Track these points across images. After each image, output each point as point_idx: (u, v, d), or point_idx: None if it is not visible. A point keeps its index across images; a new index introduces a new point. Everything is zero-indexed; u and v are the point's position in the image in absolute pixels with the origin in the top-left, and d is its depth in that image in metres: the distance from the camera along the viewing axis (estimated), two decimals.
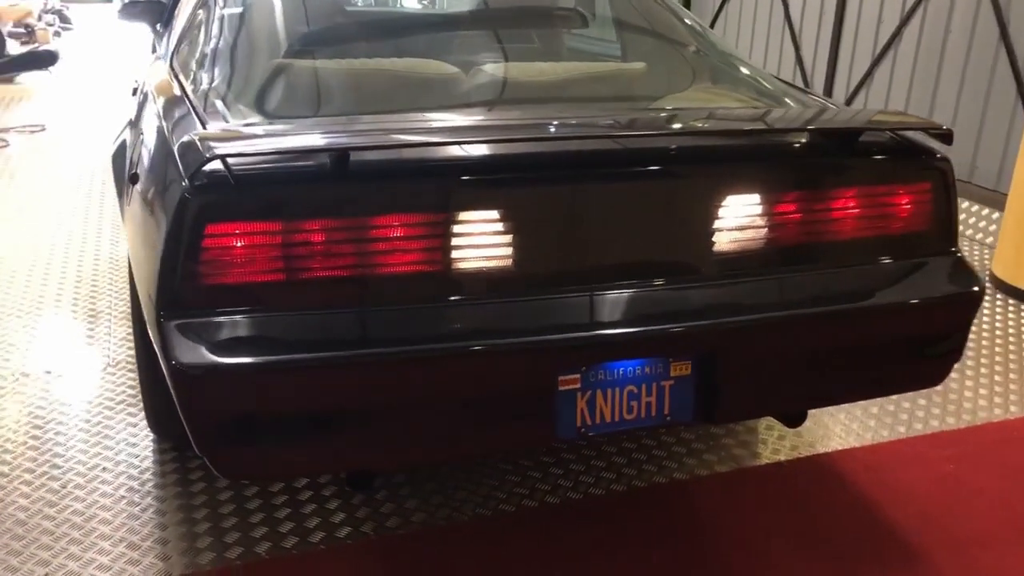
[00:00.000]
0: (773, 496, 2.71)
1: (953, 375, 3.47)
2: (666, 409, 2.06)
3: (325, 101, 2.43)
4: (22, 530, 2.44)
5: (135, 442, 2.86)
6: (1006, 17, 5.03)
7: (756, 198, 2.10)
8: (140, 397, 3.01)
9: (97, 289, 4.09)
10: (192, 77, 2.42)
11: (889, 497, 2.70)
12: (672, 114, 2.41)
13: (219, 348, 1.73)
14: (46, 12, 14.00)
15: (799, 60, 6.79)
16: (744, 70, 2.89)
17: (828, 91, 6.52)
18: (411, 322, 1.86)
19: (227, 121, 2.12)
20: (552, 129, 2.06)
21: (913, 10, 5.69)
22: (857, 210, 2.19)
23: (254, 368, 1.74)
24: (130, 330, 3.62)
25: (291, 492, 2.62)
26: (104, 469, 2.72)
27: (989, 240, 5.04)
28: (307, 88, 2.45)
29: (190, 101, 2.22)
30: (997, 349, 3.72)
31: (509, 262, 1.92)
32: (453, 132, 2.03)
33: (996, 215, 5.02)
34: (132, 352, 3.29)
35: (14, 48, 10.34)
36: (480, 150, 1.96)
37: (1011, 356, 3.65)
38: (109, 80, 9.59)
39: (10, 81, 9.52)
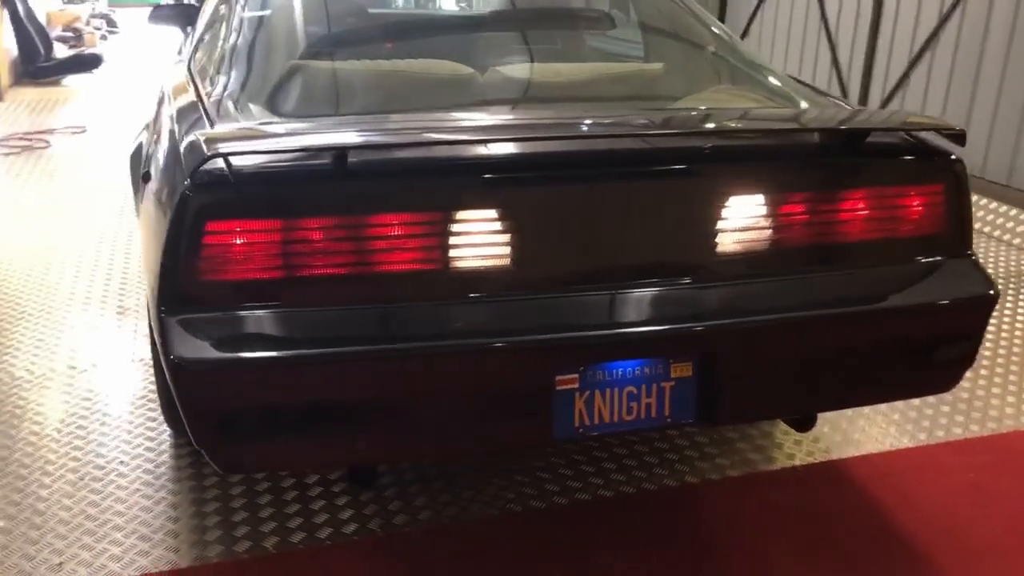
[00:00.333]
0: (783, 501, 2.68)
1: (980, 382, 3.40)
2: (666, 411, 2.05)
3: (336, 102, 2.46)
4: (39, 520, 2.50)
5: (153, 436, 2.91)
6: None
7: (762, 199, 2.08)
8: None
9: (127, 287, 4.17)
10: (206, 79, 2.46)
11: (903, 504, 2.65)
12: (676, 114, 2.40)
13: (217, 344, 1.76)
14: (94, 16, 14.32)
15: (835, 62, 6.70)
16: (762, 72, 2.86)
17: (864, 93, 6.42)
18: (409, 320, 1.88)
19: (237, 122, 2.15)
20: (551, 129, 2.06)
21: (951, 11, 5.58)
22: (866, 212, 2.16)
23: (251, 364, 1.77)
24: None
25: (301, 488, 2.64)
26: (121, 463, 2.77)
27: None
28: (319, 89, 2.48)
29: (202, 102, 2.26)
30: (1016, 351, 3.64)
31: (506, 261, 1.92)
32: (451, 132, 2.04)
33: None
34: None
35: (61, 51, 10.59)
36: (478, 150, 1.97)
37: None
38: (150, 82, 9.77)
39: (57, 84, 9.74)
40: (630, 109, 2.50)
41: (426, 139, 1.96)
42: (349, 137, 1.90)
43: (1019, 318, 4.01)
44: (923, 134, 2.26)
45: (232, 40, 2.60)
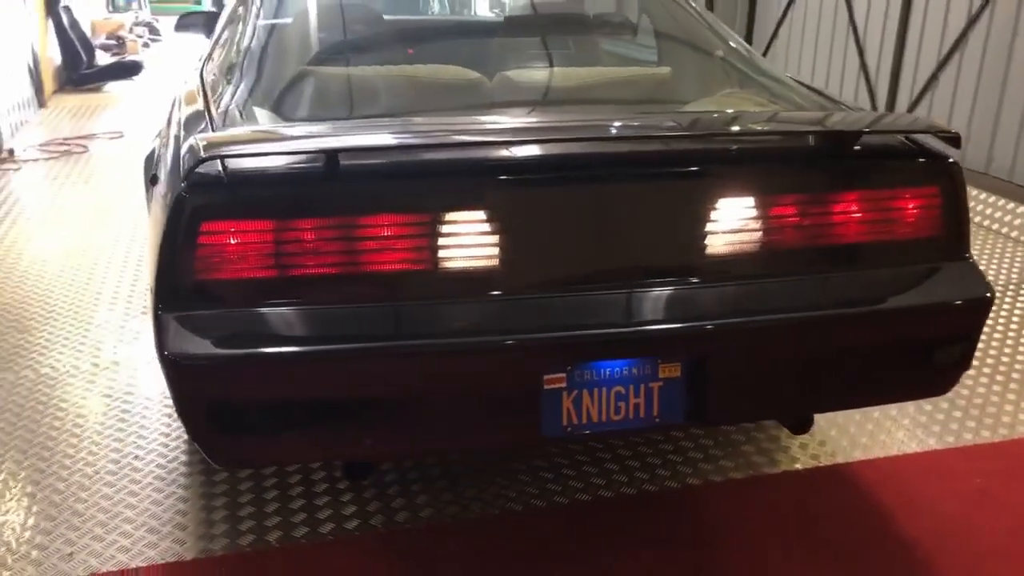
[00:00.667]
0: (786, 504, 2.68)
1: (995, 387, 3.36)
2: (655, 411, 2.06)
3: (341, 107, 2.52)
4: (55, 511, 2.58)
5: (168, 432, 2.99)
6: None
7: (753, 201, 2.09)
8: None
9: None
10: (216, 85, 2.53)
11: (907, 509, 2.64)
12: (665, 117, 2.42)
13: (209, 340, 1.81)
14: (137, 24, 14.67)
15: (863, 66, 6.64)
16: (769, 76, 2.86)
17: (892, 97, 6.36)
18: (398, 319, 1.92)
19: (240, 127, 2.21)
20: (539, 132, 2.09)
21: (979, 13, 5.51)
22: (860, 214, 2.16)
23: (242, 360, 1.82)
24: None
25: (306, 484, 2.70)
26: (136, 458, 2.86)
27: None
28: (325, 94, 2.53)
29: (208, 108, 2.33)
30: None
31: (495, 262, 1.95)
32: (440, 135, 2.07)
33: None
34: None
35: (104, 59, 10.86)
36: (468, 152, 2.00)
37: None
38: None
39: (98, 90, 9.99)
40: (626, 112, 2.52)
41: (415, 142, 2.00)
42: (339, 140, 1.95)
43: None
44: (920, 137, 2.26)
45: (242, 47, 2.67)
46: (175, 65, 11.84)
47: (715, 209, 2.07)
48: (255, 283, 1.86)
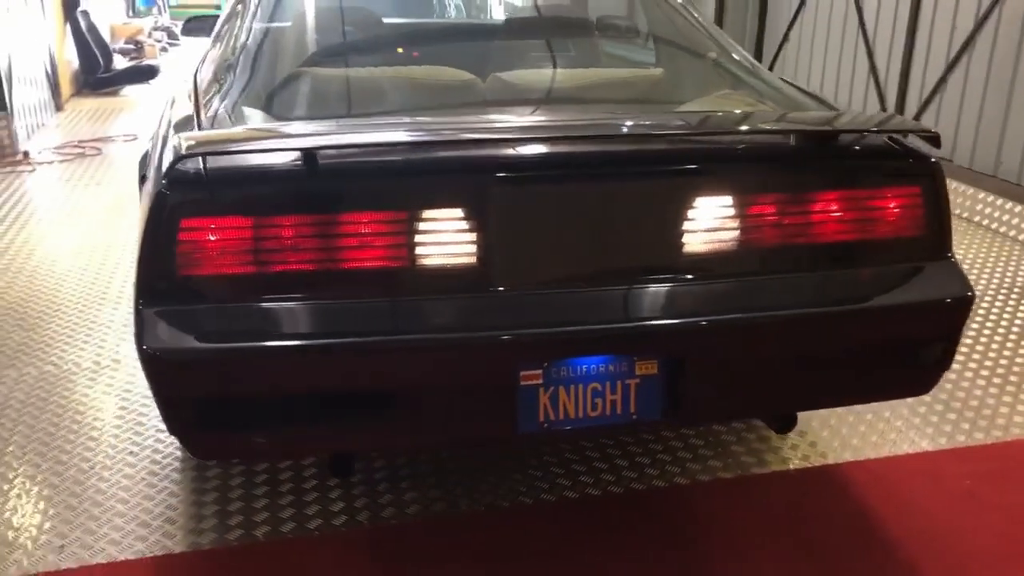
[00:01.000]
0: (773, 505, 2.68)
1: (992, 389, 3.34)
2: (632, 408, 2.08)
3: (332, 108, 2.55)
4: (49, 504, 2.63)
5: (163, 428, 3.01)
6: None
7: (731, 200, 2.10)
8: None
9: None
10: (207, 86, 2.57)
11: (895, 510, 2.64)
12: (645, 117, 2.43)
13: (186, 335, 1.85)
14: (156, 29, 14.82)
15: (873, 69, 6.61)
16: (761, 78, 2.86)
17: (901, 99, 6.33)
18: (376, 315, 1.94)
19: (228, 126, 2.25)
20: (516, 131, 2.11)
21: (987, 15, 5.48)
22: (840, 213, 2.16)
23: (218, 355, 1.86)
24: None
25: (296, 480, 2.73)
26: (131, 453, 2.90)
27: None
28: (315, 95, 2.56)
29: (197, 108, 2.37)
30: None
31: (472, 259, 1.97)
32: (418, 133, 2.10)
33: None
34: None
35: (121, 63, 10.99)
36: (444, 151, 2.03)
37: None
38: None
39: (115, 94, 10.11)
40: (608, 111, 2.54)
41: (391, 141, 2.03)
42: (317, 139, 1.98)
43: None
44: (903, 136, 2.26)
45: (236, 48, 2.71)
46: (191, 69, 11.97)
47: (695, 208, 2.08)
48: (234, 279, 1.89)
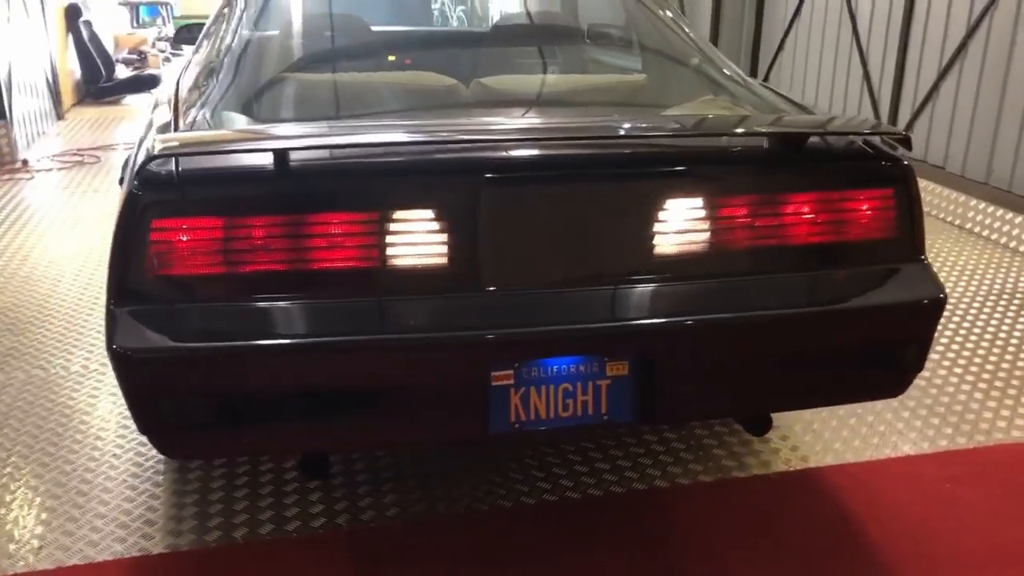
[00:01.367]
0: (753, 508, 2.68)
1: (976, 394, 3.34)
2: (603, 408, 2.08)
3: (311, 110, 2.57)
4: (29, 506, 2.64)
5: None
6: None
7: (705, 201, 2.11)
8: None
9: None
10: (190, 90, 2.59)
11: (874, 514, 2.63)
12: (619, 119, 2.45)
13: (156, 334, 1.86)
14: (160, 39, 14.91)
15: (866, 77, 6.63)
16: (742, 84, 2.87)
17: (895, 107, 6.34)
18: (347, 315, 1.96)
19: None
20: (487, 132, 2.13)
21: (978, 22, 5.50)
22: (812, 215, 2.17)
23: (189, 354, 1.87)
24: None
25: (277, 482, 2.74)
26: (114, 455, 2.91)
27: None
28: (295, 98, 2.59)
29: (176, 111, 2.39)
30: (1020, 366, 3.57)
31: (442, 260, 1.99)
32: (388, 135, 2.11)
33: None
34: None
35: (124, 73, 11.06)
36: (415, 152, 2.04)
37: None
38: None
39: (117, 103, 10.16)
40: (581, 115, 2.55)
41: (361, 142, 2.04)
42: (287, 140, 1.99)
43: (1016, 329, 3.92)
44: (874, 139, 2.27)
45: (218, 53, 2.74)
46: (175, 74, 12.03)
47: (667, 209, 2.09)
48: (205, 280, 1.91)
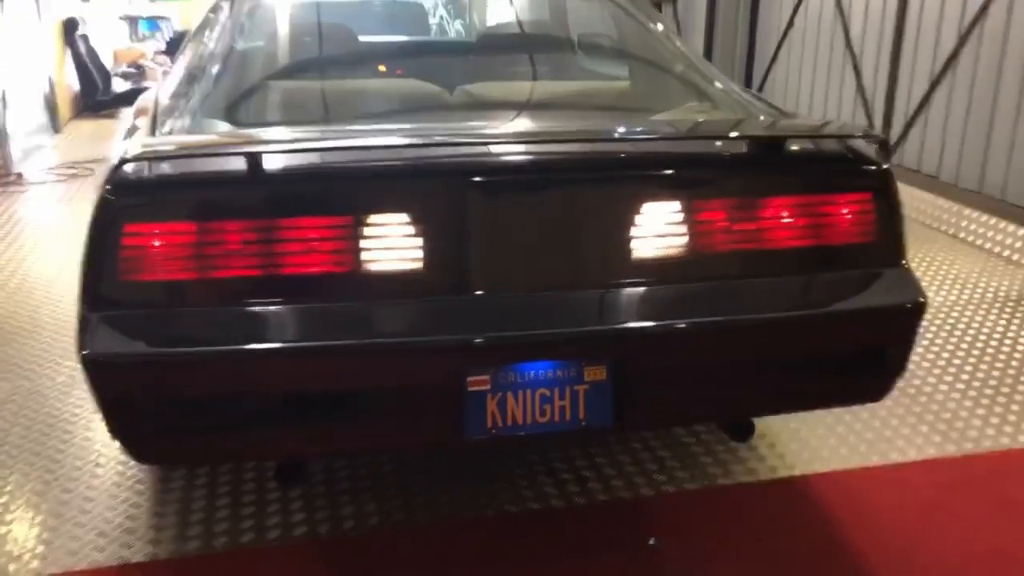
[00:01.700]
0: (736, 516, 2.66)
1: (966, 402, 3.32)
2: (581, 414, 2.06)
3: (292, 116, 2.57)
4: (8, 515, 2.62)
5: None
6: None
7: (682, 205, 2.10)
8: None
9: None
10: (167, 97, 2.58)
11: (859, 522, 2.61)
12: (597, 123, 2.44)
13: (127, 340, 1.85)
14: (159, 53, 14.97)
15: (859, 87, 6.64)
16: (727, 92, 2.86)
17: (888, 117, 6.34)
18: (321, 320, 1.94)
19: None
20: (461, 134, 2.12)
21: (969, 32, 5.50)
22: (791, 219, 2.16)
23: (161, 359, 1.86)
24: None
25: (260, 492, 2.72)
26: (97, 465, 2.90)
27: None
28: (276, 105, 2.59)
29: (154, 117, 2.39)
30: (1010, 373, 3.55)
31: (416, 264, 1.98)
32: (361, 139, 2.10)
33: None
34: None
35: (122, 86, 11.10)
36: (388, 155, 2.03)
37: None
38: None
39: (115, 116, 10.18)
40: (556, 119, 2.55)
41: (334, 145, 2.03)
42: (258, 144, 1.99)
43: (1007, 338, 3.90)
44: (854, 143, 2.26)
45: (201, 60, 2.74)
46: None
47: (643, 213, 2.08)
48: (176, 285, 1.90)
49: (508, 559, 2.47)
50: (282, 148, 1.99)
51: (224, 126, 2.39)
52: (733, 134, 2.22)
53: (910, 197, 5.86)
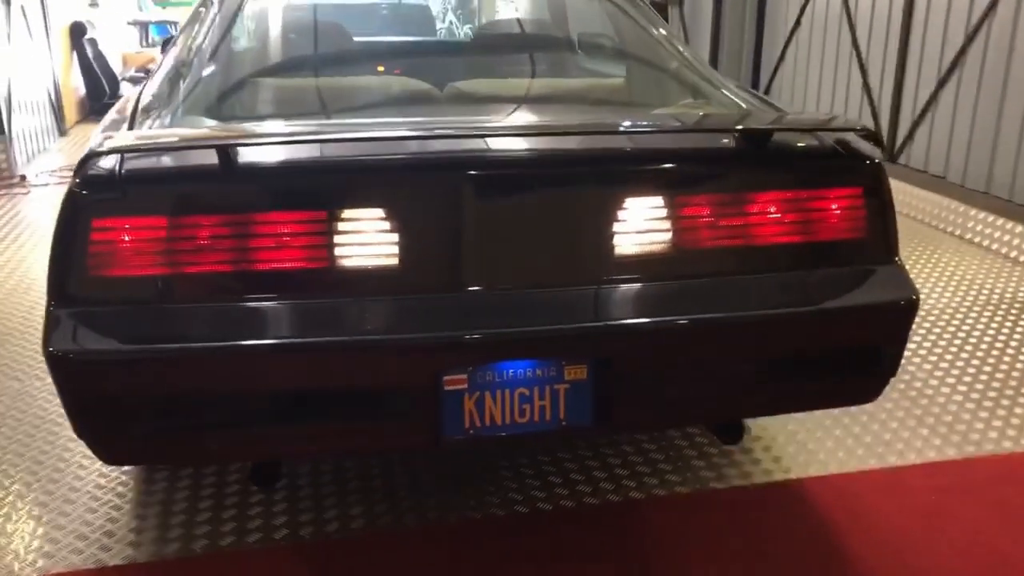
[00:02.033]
0: (729, 521, 2.60)
1: (968, 405, 3.25)
2: (561, 414, 2.01)
3: (271, 113, 2.53)
4: None
5: None
6: None
7: (667, 200, 2.05)
8: None
9: None
10: (150, 94, 2.55)
11: (855, 526, 2.55)
12: (580, 117, 2.39)
13: (96, 337, 1.81)
14: None
15: (866, 86, 6.56)
16: (724, 88, 2.80)
17: (894, 117, 6.26)
18: (293, 317, 1.90)
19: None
20: (441, 129, 2.07)
21: (976, 30, 5.42)
22: (781, 215, 2.10)
23: (128, 356, 1.82)
24: None
25: (242, 494, 2.68)
26: (81, 467, 2.86)
27: None
28: (256, 102, 2.55)
29: (133, 114, 2.35)
30: (1015, 376, 3.47)
31: (392, 260, 1.93)
32: (339, 132, 2.06)
33: None
34: None
35: (129, 90, 11.12)
36: (363, 149, 1.99)
37: None
38: None
39: None
40: (540, 113, 2.50)
41: (306, 138, 1.99)
42: (229, 138, 1.94)
43: (1013, 340, 3.82)
44: (845, 137, 2.20)
45: (187, 54, 2.70)
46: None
47: (628, 208, 2.03)
48: (145, 281, 1.86)
49: (494, 563, 2.41)
50: (252, 142, 1.94)
51: (205, 122, 2.35)
52: (720, 127, 2.16)
53: (916, 197, 5.78)
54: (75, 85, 9.89)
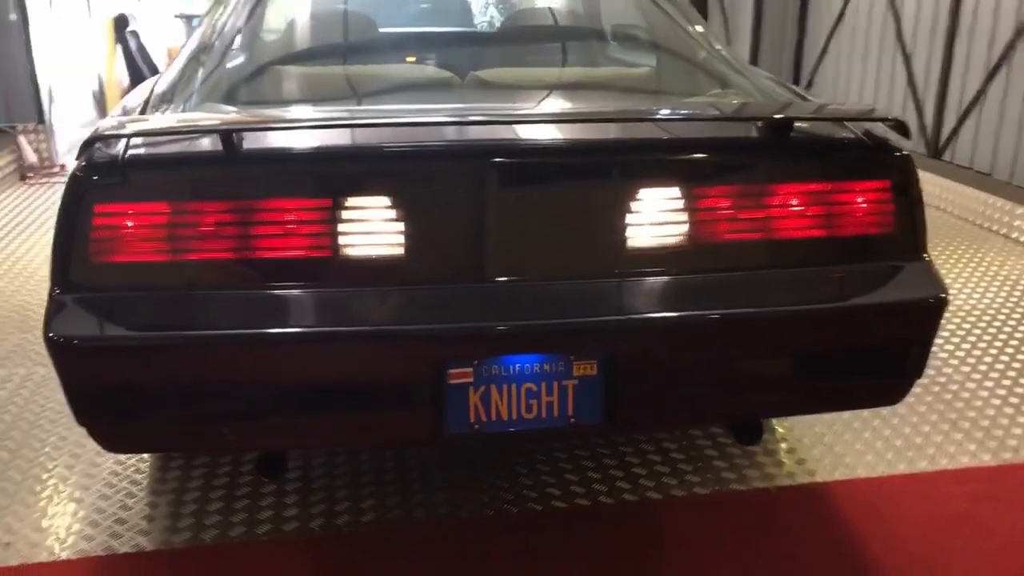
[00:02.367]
0: (748, 523, 2.52)
1: (1007, 409, 3.12)
2: (569, 410, 1.95)
3: (286, 100, 2.50)
4: (6, 500, 2.60)
5: None
6: None
7: (684, 191, 1.97)
8: None
9: None
10: (167, 81, 2.53)
11: (880, 533, 2.45)
12: (595, 105, 2.32)
13: (97, 323, 1.79)
14: None
15: (910, 80, 6.38)
16: (753, 79, 2.72)
17: (939, 111, 6.08)
18: (296, 306, 1.86)
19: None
20: (451, 117, 2.02)
21: None
22: (803, 208, 2.02)
23: (129, 343, 1.80)
24: None
25: (254, 485, 2.66)
26: (98, 453, 2.85)
27: None
28: (272, 90, 2.52)
29: (146, 100, 2.33)
30: None
31: (398, 250, 1.88)
32: (345, 119, 2.02)
33: None
34: None
35: None
36: (370, 137, 1.94)
37: None
38: None
39: None
40: (553, 101, 2.44)
41: (314, 123, 1.95)
42: (232, 123, 1.91)
43: None
44: (872, 128, 2.10)
45: (205, 43, 2.68)
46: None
47: (642, 200, 1.95)
48: (148, 267, 1.84)
49: (506, 560, 2.36)
50: (256, 127, 1.91)
51: (221, 108, 2.33)
52: (740, 115, 2.08)
53: (961, 195, 5.61)
54: (119, 77, 10.02)
